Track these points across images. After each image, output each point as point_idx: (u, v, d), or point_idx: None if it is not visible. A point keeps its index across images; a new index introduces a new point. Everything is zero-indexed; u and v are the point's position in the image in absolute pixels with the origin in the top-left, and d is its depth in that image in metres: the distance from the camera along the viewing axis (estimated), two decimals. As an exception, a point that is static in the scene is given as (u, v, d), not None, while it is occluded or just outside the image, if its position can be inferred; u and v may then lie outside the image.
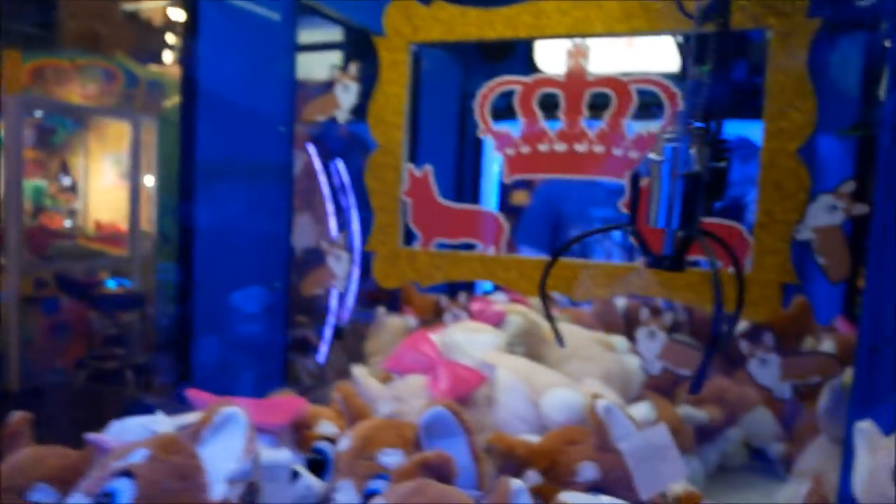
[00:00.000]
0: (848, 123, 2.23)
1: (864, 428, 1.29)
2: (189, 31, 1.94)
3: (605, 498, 1.06)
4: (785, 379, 1.56)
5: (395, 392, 1.43)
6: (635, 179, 1.19)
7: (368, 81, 1.87)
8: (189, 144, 1.95)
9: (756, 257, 1.55)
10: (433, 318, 2.01)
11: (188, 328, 2.00)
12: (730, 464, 1.91)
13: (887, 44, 1.41)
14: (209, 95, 1.95)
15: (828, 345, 1.77)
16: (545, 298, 1.35)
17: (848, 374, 1.53)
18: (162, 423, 1.24)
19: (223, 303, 2.00)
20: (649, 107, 1.65)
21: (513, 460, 1.33)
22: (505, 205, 3.42)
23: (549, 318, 1.40)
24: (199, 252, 1.99)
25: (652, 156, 1.15)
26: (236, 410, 1.08)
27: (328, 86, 1.90)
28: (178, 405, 1.40)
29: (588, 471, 1.27)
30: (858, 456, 1.29)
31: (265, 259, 1.97)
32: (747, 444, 1.92)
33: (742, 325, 1.82)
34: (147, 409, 1.29)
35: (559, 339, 1.37)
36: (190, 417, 1.28)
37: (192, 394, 1.35)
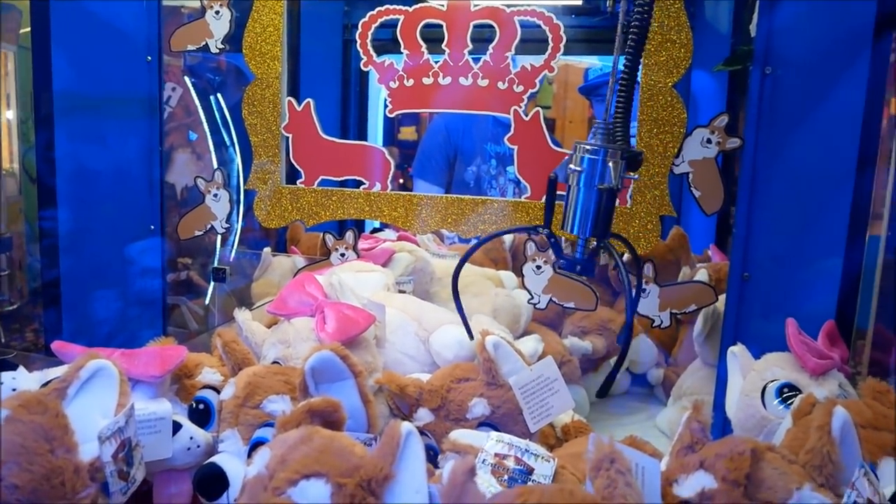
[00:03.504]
0: (720, 59, 2.30)
1: (736, 351, 1.36)
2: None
3: (495, 433, 1.07)
4: (664, 308, 1.62)
5: (280, 336, 1.39)
6: (552, 183, 1.20)
7: (243, 9, 1.76)
8: (44, 74, 1.79)
9: (636, 191, 1.58)
10: (321, 257, 1.96)
11: (56, 274, 1.87)
12: (612, 392, 1.99)
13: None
14: (63, 20, 1.78)
15: (702, 273, 1.84)
16: (457, 295, 1.34)
17: (721, 302, 1.61)
18: (24, 380, 1.15)
19: (94, 246, 1.88)
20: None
21: (404, 400, 1.33)
22: (392, 140, 3.36)
23: (462, 317, 1.40)
24: (64, 192, 1.85)
25: (571, 166, 1.16)
26: (105, 363, 1.02)
27: (199, 13, 1.78)
28: (50, 359, 1.31)
29: (478, 407, 1.28)
30: (730, 378, 1.36)
31: (138, 199, 1.85)
32: (629, 371, 2.01)
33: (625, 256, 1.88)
34: (11, 366, 1.20)
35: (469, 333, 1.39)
36: (56, 372, 1.20)
37: (59, 346, 1.26)
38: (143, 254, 1.86)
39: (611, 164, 1.17)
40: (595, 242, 1.22)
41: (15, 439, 0.86)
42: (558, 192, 1.27)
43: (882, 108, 1.40)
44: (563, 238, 1.35)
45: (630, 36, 1.18)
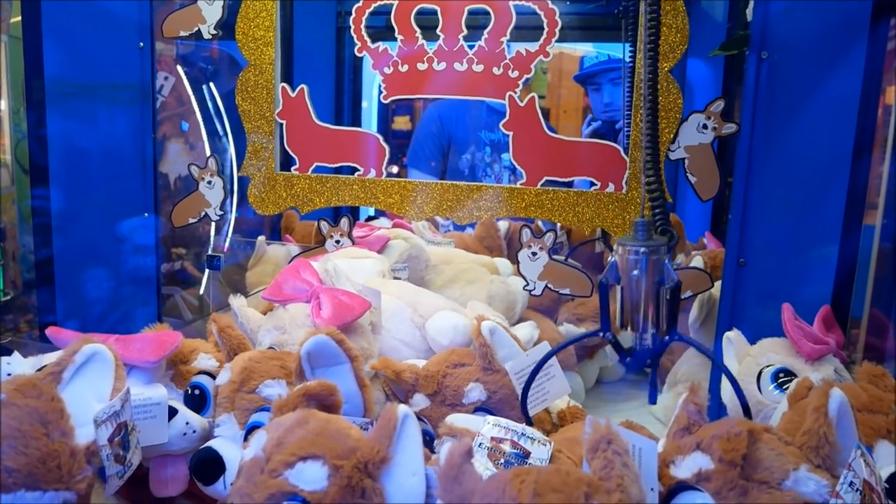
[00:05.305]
0: (716, 44, 2.29)
1: (732, 337, 1.36)
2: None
3: (491, 418, 1.06)
4: (659, 294, 1.62)
5: (276, 322, 1.39)
6: (604, 287, 1.19)
7: (236, -6, 1.76)
8: (36, 62, 1.77)
9: (631, 177, 1.58)
10: (316, 244, 1.95)
11: (49, 263, 1.87)
12: (608, 378, 2.00)
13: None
14: (54, 7, 1.77)
15: (697, 260, 1.84)
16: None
17: (716, 288, 1.61)
18: (19, 365, 1.15)
19: (89, 237, 1.87)
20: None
21: (400, 385, 1.32)
22: (387, 129, 3.35)
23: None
24: (57, 177, 1.84)
25: (634, 272, 1.14)
26: (101, 347, 1.02)
27: (191, -2, 1.77)
28: (44, 345, 1.31)
29: (474, 392, 1.28)
30: (726, 363, 1.36)
31: (132, 185, 1.84)
32: (623, 358, 2.01)
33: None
34: (5, 351, 1.20)
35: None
36: (51, 357, 1.20)
37: (53, 332, 1.26)
38: (136, 232, 1.85)
39: (665, 259, 1.15)
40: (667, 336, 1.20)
41: (10, 423, 0.86)
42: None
43: (879, 96, 1.40)
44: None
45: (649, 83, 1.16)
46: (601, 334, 1.23)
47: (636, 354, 1.21)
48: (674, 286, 1.14)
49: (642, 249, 1.14)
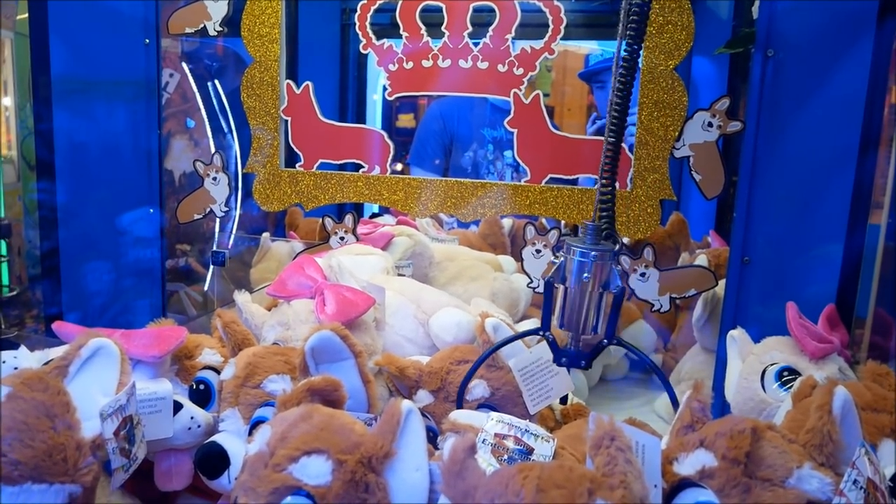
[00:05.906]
0: (722, 42, 2.29)
1: (736, 335, 1.36)
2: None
3: (495, 414, 1.07)
4: (663, 292, 1.62)
5: (280, 318, 1.39)
6: (549, 286, 1.21)
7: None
8: (42, 58, 1.78)
9: (636, 175, 1.58)
10: (320, 241, 1.96)
11: (54, 255, 1.87)
12: (612, 376, 2.00)
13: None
14: (61, 3, 1.77)
15: (701, 259, 1.84)
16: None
17: (721, 287, 1.61)
18: (25, 359, 1.16)
19: (94, 231, 1.88)
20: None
21: (403, 382, 1.33)
22: (391, 126, 3.36)
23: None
24: (62, 176, 1.85)
25: (585, 275, 1.16)
26: (107, 342, 1.02)
27: (197, -6, 1.77)
28: (51, 340, 1.31)
29: (478, 389, 1.28)
30: (730, 361, 1.36)
31: (136, 183, 1.84)
32: (627, 356, 2.01)
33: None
34: (12, 345, 1.20)
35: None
36: (57, 352, 1.20)
37: (59, 326, 1.26)
38: (141, 227, 1.85)
39: (613, 265, 1.17)
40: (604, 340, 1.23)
41: (17, 416, 0.86)
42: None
43: (885, 94, 1.40)
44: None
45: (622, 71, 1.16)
46: (540, 333, 1.24)
47: (571, 355, 1.24)
48: (617, 292, 1.16)
49: (593, 253, 1.15)
